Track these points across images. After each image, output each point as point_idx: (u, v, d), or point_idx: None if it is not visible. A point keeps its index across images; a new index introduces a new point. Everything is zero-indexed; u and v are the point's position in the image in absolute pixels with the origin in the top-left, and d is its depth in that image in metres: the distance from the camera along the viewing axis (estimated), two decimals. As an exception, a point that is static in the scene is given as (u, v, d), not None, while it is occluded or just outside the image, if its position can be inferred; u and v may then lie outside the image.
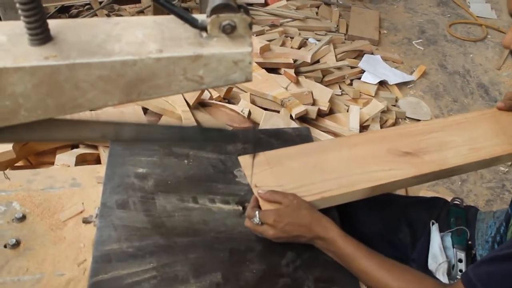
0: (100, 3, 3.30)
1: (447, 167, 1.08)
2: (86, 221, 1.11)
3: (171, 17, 0.76)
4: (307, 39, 3.19)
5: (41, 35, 0.67)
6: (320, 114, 2.35)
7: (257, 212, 0.95)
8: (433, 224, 1.15)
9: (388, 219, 1.21)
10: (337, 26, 3.53)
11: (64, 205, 1.13)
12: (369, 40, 3.42)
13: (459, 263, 1.07)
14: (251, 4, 3.50)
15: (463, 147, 1.13)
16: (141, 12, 3.41)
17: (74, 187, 1.16)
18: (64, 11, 3.27)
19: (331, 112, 2.47)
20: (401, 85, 3.08)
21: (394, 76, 3.08)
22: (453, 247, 1.10)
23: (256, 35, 2.92)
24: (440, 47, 3.62)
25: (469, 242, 1.11)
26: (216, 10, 0.68)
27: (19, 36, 0.69)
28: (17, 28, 0.71)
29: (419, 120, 2.82)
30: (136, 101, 0.72)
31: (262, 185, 1.00)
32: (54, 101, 0.68)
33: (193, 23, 0.70)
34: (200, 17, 0.73)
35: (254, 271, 0.91)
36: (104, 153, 1.59)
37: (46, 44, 0.67)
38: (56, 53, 0.66)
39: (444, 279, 1.07)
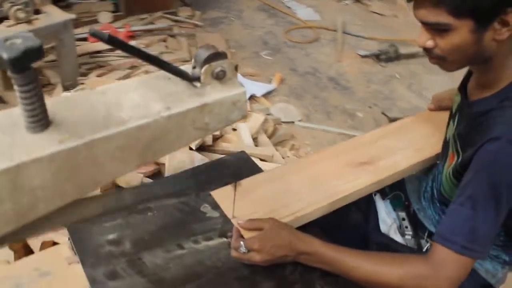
0: None
1: (401, 169, 1.22)
2: (80, 306, 1.03)
3: (153, 75, 0.79)
4: (168, 73, 3.24)
5: (43, 120, 0.65)
6: (214, 138, 2.42)
7: (241, 242, 1.00)
8: (375, 195, 1.32)
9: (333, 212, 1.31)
10: (190, 53, 3.63)
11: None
12: (224, 61, 3.58)
13: (403, 221, 1.26)
14: (100, 51, 3.42)
15: (408, 150, 1.28)
16: None
17: (45, 277, 1.06)
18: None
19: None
20: (266, 95, 3.30)
21: (259, 88, 3.28)
22: (394, 210, 1.29)
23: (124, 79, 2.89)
24: (285, 53, 3.94)
25: (406, 203, 1.30)
26: (209, 60, 0.73)
27: (11, 126, 0.66)
28: (3, 118, 0.68)
29: (293, 122, 3.05)
30: (151, 161, 0.73)
31: (239, 215, 1.05)
32: (72, 184, 0.66)
33: (187, 76, 0.74)
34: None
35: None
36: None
37: (48, 129, 0.66)
38: (68, 134, 0.65)
39: (396, 236, 1.25)
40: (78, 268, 0.97)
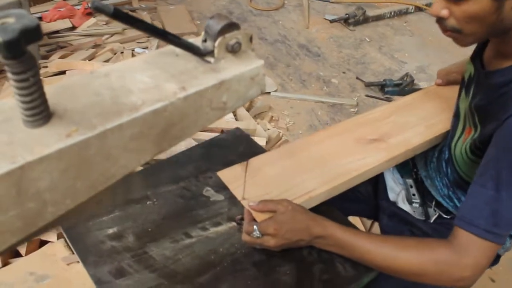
0: None
1: (412, 146, 1.17)
2: (83, 310, 0.96)
3: (158, 52, 0.71)
4: (133, 50, 3.10)
5: (44, 112, 0.56)
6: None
7: (255, 226, 0.94)
8: None
9: None
10: (154, 29, 3.48)
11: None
12: (190, 34, 3.46)
13: (410, 188, 1.23)
14: (58, 31, 3.23)
15: (419, 126, 1.23)
16: None
17: (43, 281, 0.97)
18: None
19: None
20: (238, 67, 3.20)
21: (230, 60, 3.19)
22: (402, 177, 1.25)
23: (89, 60, 2.73)
24: (252, 22, 3.83)
25: (414, 170, 1.26)
26: (223, 31, 0.65)
27: (4, 122, 0.57)
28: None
29: (269, 93, 2.98)
30: (166, 150, 0.65)
31: (249, 197, 0.98)
32: (84, 183, 0.59)
33: (198, 51, 0.66)
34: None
35: (288, 272, 0.91)
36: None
37: (51, 121, 0.57)
38: (75, 126, 0.56)
39: (404, 205, 1.22)
40: (79, 268, 0.89)
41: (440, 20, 0.91)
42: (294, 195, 1.01)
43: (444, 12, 0.89)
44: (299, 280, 0.91)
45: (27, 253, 1.28)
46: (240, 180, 1.01)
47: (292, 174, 1.07)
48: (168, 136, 0.63)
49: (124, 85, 0.62)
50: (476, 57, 1.07)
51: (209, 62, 0.67)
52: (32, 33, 0.49)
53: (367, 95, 3.05)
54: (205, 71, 0.65)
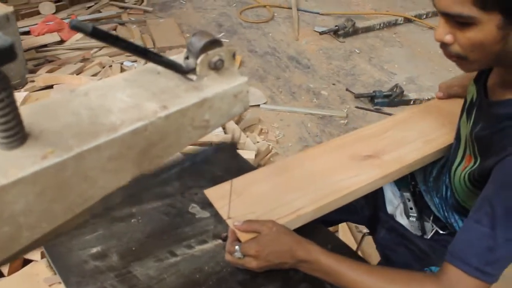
0: None
1: (408, 163, 1.14)
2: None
3: (140, 70, 0.70)
4: (122, 63, 3.09)
5: (19, 133, 0.55)
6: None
7: (237, 247, 0.92)
8: None
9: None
10: (143, 42, 3.48)
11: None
12: (179, 47, 3.45)
13: (408, 202, 1.21)
14: (46, 45, 3.21)
15: (417, 141, 1.20)
16: None
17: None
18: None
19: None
20: (227, 79, 3.20)
21: (219, 72, 3.18)
22: (399, 190, 1.24)
23: (77, 74, 2.71)
24: (242, 34, 3.84)
25: (412, 183, 1.25)
26: (205, 48, 0.64)
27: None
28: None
29: (258, 105, 2.98)
30: (147, 170, 0.64)
31: (234, 216, 0.97)
32: (61, 205, 0.57)
33: (180, 68, 0.65)
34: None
35: (274, 289, 0.89)
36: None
37: (26, 143, 0.55)
38: (51, 148, 0.55)
39: (403, 220, 1.20)
40: (62, 289, 0.87)
41: (444, 45, 0.88)
42: (281, 213, 0.99)
43: (448, 38, 0.86)
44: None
45: (10, 273, 1.25)
46: (226, 199, 0.99)
47: (280, 192, 1.04)
48: (148, 156, 0.62)
49: (103, 104, 0.61)
50: (480, 81, 1.03)
51: (191, 80, 0.66)
52: (5, 54, 0.48)
53: (357, 107, 3.05)
54: (187, 89, 0.64)
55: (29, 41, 3.10)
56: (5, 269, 1.24)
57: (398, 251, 1.21)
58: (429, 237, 1.19)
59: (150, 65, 0.66)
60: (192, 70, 0.65)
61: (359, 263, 0.92)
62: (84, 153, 0.55)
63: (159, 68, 0.67)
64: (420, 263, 1.16)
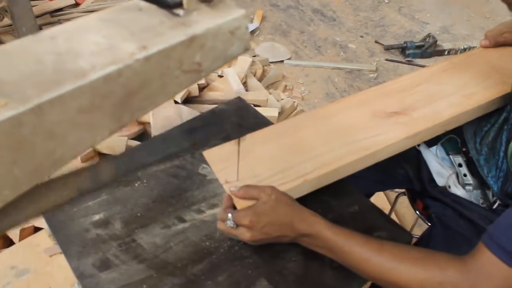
0: None
1: (442, 120, 0.98)
2: (69, 306, 0.87)
3: (118, 8, 0.59)
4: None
5: (-33, 84, 0.45)
6: (200, 88, 2.23)
7: (229, 214, 0.81)
8: (418, 145, 1.12)
9: (376, 167, 1.05)
10: None
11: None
12: (199, 4, 3.31)
13: (460, 168, 1.06)
14: (61, 9, 3.12)
15: (454, 96, 1.03)
16: None
17: (23, 276, 0.89)
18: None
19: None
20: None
21: (240, 29, 3.05)
22: (448, 156, 1.09)
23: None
24: (264, -12, 3.66)
25: (463, 149, 1.09)
26: (192, -26, 0.53)
27: None
28: None
29: (282, 61, 2.84)
30: (129, 123, 0.54)
31: (234, 180, 0.86)
32: (24, 169, 0.48)
33: (165, 2, 0.54)
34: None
35: (294, 258, 0.80)
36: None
37: (-23, 95, 0.46)
38: (4, 99, 0.45)
39: (458, 190, 1.05)
40: (62, 260, 0.80)
41: None
42: (287, 178, 0.87)
43: None
44: (307, 267, 0.80)
45: (21, 239, 1.21)
46: (228, 161, 0.88)
47: (289, 153, 0.92)
48: (128, 107, 0.52)
49: (72, 48, 0.51)
50: None
51: (178, 15, 0.55)
52: None
53: (387, 59, 2.89)
54: (173, 26, 0.53)
55: (42, 7, 3.02)
56: (15, 238, 1.19)
57: (458, 223, 1.05)
58: (494, 207, 1.02)
59: (132, 2, 0.56)
60: (179, 4, 0.54)
61: (369, 238, 0.79)
62: (45, 104, 0.46)
63: (142, 3, 0.57)
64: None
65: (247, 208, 0.81)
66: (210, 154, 0.91)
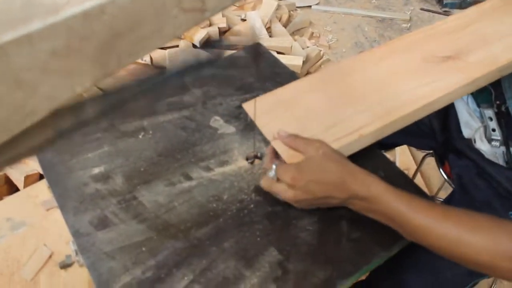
0: None
1: (499, 65, 0.87)
2: (65, 265, 0.82)
3: None
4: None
5: None
6: (220, 32, 2.12)
7: (274, 165, 0.73)
8: None
9: None
10: None
11: (19, 259, 0.82)
12: None
13: (489, 122, 0.97)
14: None
15: (511, 37, 0.93)
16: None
17: (18, 230, 0.84)
18: None
19: (226, 27, 2.25)
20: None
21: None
22: (479, 107, 1.00)
23: None
24: None
25: (497, 102, 0.99)
26: None
27: None
28: None
29: (310, 7, 2.69)
30: (117, 71, 0.46)
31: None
32: (-12, 121, 0.40)
33: None
34: None
35: (309, 227, 0.73)
36: (13, 171, 1.20)
37: None
38: (-40, 38, 0.37)
39: (483, 145, 0.98)
40: (58, 215, 0.74)
41: None
42: (340, 133, 0.78)
43: None
44: (322, 238, 0.72)
45: (26, 186, 1.17)
46: (272, 114, 0.80)
47: (337, 105, 0.83)
48: (115, 51, 0.43)
49: (47, -24, 0.42)
50: None
51: None
52: None
53: (422, 9, 2.71)
54: (171, -47, 0.44)
55: None
56: (20, 184, 1.15)
57: (478, 185, 0.98)
58: None
59: None
60: None
61: (433, 204, 0.69)
62: (8, 45, 0.38)
63: None
64: (504, 203, 0.94)
65: (291, 164, 0.73)
66: (250, 106, 0.82)
